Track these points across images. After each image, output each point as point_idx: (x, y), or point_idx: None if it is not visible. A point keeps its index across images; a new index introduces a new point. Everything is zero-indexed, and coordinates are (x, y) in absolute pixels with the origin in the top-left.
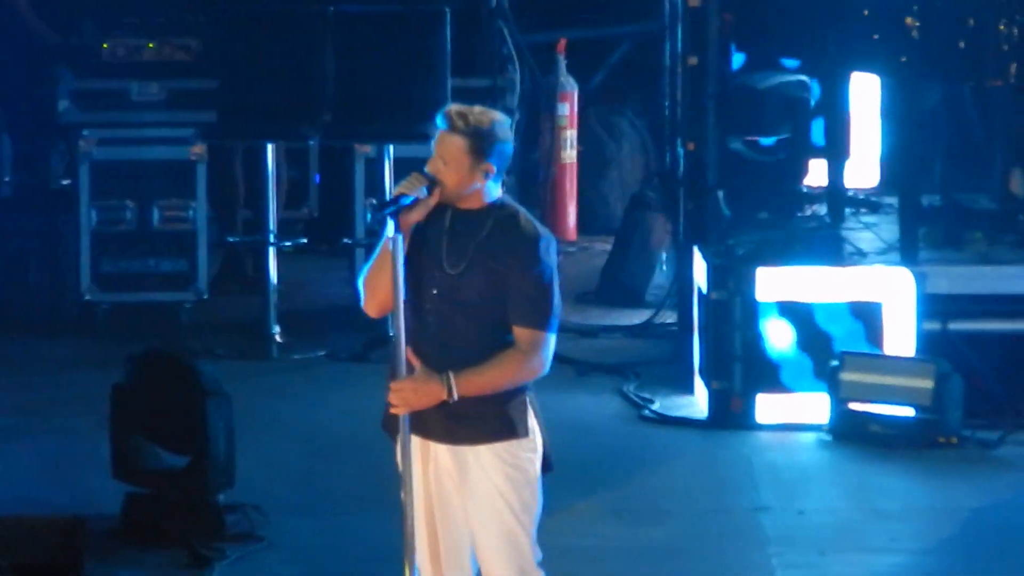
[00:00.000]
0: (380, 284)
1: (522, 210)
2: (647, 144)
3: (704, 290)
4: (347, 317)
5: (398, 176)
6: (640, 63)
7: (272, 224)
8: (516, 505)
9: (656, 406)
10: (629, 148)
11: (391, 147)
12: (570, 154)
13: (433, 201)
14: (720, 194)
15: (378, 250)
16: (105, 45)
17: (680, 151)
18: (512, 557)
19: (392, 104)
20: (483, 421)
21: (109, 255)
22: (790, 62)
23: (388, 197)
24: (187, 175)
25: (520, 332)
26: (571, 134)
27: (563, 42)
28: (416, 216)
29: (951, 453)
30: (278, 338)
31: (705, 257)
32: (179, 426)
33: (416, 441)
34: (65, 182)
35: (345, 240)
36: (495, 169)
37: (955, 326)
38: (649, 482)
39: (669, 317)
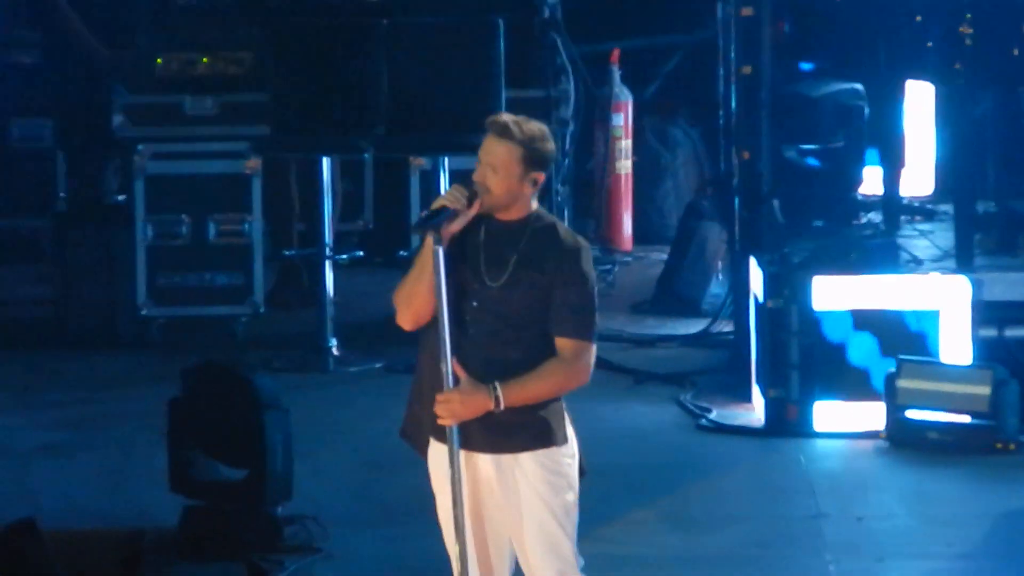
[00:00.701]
0: (417, 295)
1: (559, 220)
2: (701, 153)
3: (760, 298)
4: (402, 329)
5: None
6: (693, 73)
7: (328, 237)
8: (559, 511)
9: (713, 415)
10: (683, 157)
11: (446, 159)
12: (625, 164)
13: (473, 212)
14: (775, 203)
15: (415, 262)
16: (159, 60)
17: (734, 160)
18: (556, 563)
19: (446, 116)
20: (525, 429)
21: (165, 269)
22: (844, 70)
23: (428, 210)
24: (242, 189)
25: (563, 343)
26: (626, 144)
27: (616, 52)
28: (456, 227)
29: (1008, 459)
30: (335, 351)
31: (761, 265)
32: (236, 439)
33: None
34: (120, 197)
35: (400, 252)
36: (543, 178)
37: (1011, 332)
38: (706, 490)
39: (726, 326)
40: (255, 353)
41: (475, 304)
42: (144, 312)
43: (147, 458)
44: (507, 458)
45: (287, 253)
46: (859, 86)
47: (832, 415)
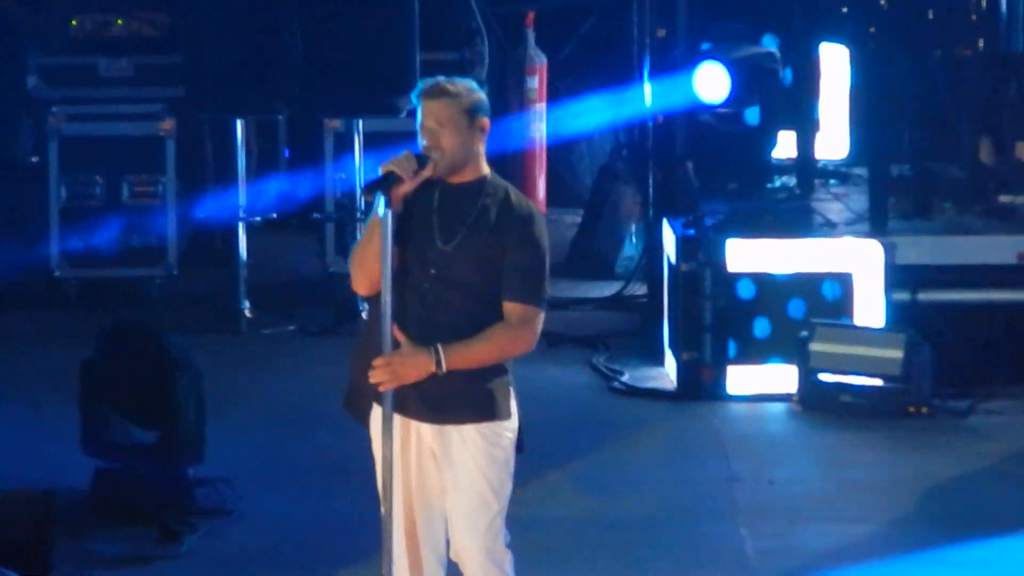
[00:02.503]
0: (368, 260)
1: (511, 186)
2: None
3: (674, 261)
4: (316, 291)
5: (367, 149)
6: (608, 35)
7: (242, 199)
8: (495, 484)
9: (626, 378)
10: (598, 120)
11: (360, 121)
12: (539, 127)
13: (424, 176)
14: (689, 165)
15: (367, 227)
16: (74, 21)
17: (649, 123)
18: (483, 535)
19: (361, 78)
20: (470, 400)
21: (78, 230)
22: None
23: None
24: (156, 150)
25: (512, 307)
26: (540, 107)
27: (531, 15)
28: (406, 188)
29: (921, 423)
30: (247, 312)
31: (674, 228)
32: (149, 400)
33: (397, 420)
34: (34, 158)
35: (315, 215)
36: (488, 124)
37: (925, 296)
38: (619, 453)
39: (639, 289)
40: (168, 314)
41: (433, 271)
42: (57, 273)
43: (59, 419)
44: (450, 428)
45: (201, 215)
46: (774, 49)
47: (745, 378)
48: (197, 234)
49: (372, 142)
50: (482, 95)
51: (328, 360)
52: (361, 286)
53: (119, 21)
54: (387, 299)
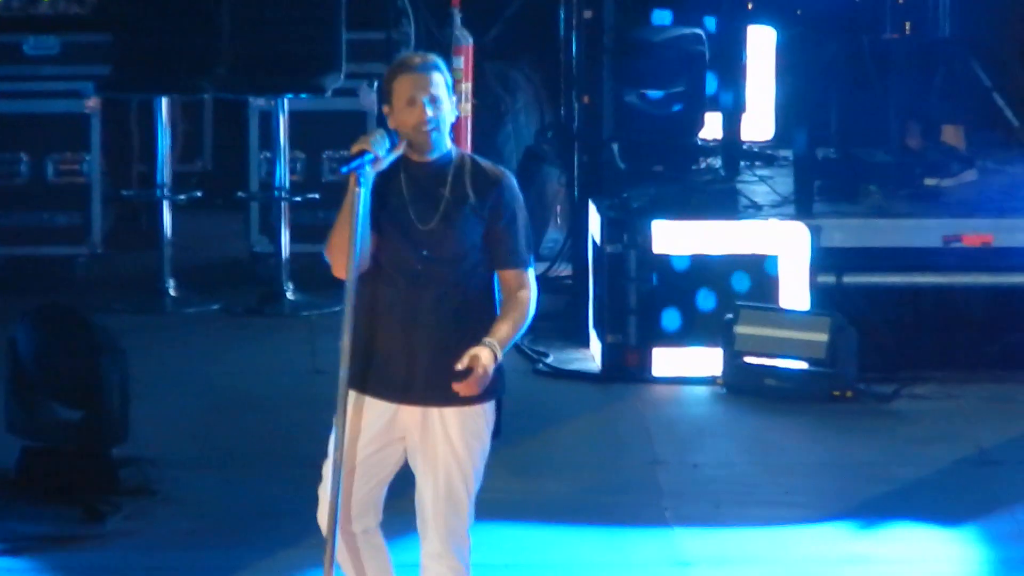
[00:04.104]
0: (348, 241)
1: (474, 155)
2: (542, 97)
3: (599, 243)
4: (242, 271)
5: (293, 129)
6: (535, 16)
7: (166, 178)
8: (468, 470)
9: (550, 359)
10: (524, 101)
11: (286, 100)
12: (465, 107)
13: (399, 150)
14: (615, 147)
15: (342, 209)
16: None
17: (575, 104)
18: (451, 519)
19: (287, 57)
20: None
21: (2, 209)
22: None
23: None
24: (82, 128)
25: (509, 274)
26: (466, 87)
27: None
28: (380, 166)
29: (846, 407)
30: (172, 292)
31: (600, 210)
32: (73, 380)
33: (369, 400)
34: None
35: (239, 194)
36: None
37: (850, 279)
38: (543, 436)
39: (564, 270)
40: (93, 294)
41: (424, 253)
42: None
43: None
44: (433, 411)
45: (125, 193)
46: (700, 31)
47: (670, 361)
48: (122, 213)
49: (297, 121)
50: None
51: (253, 340)
52: (343, 270)
53: None
54: (352, 281)
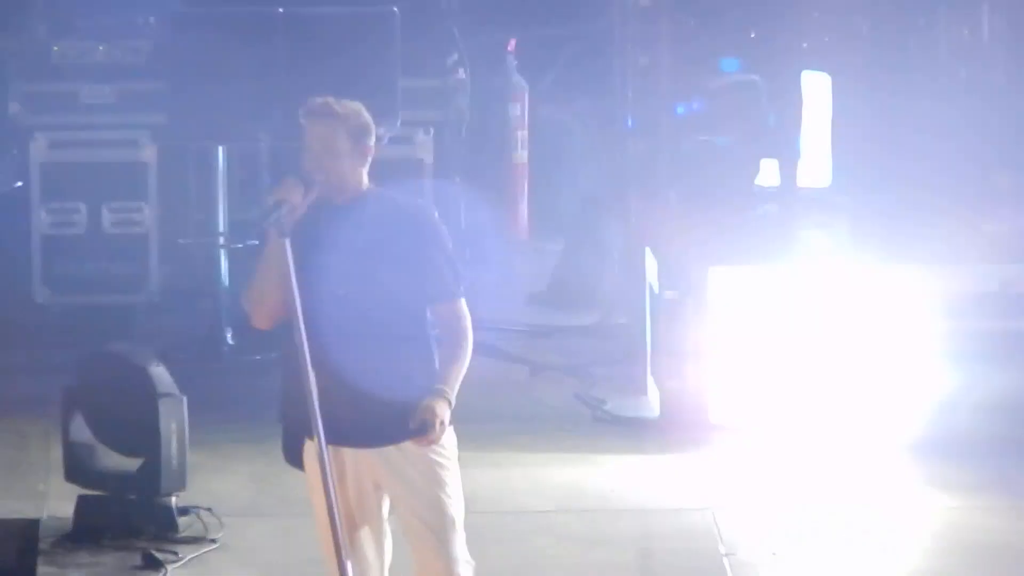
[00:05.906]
0: (268, 294)
1: (393, 191)
2: (598, 144)
3: (656, 289)
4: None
5: None
6: (590, 62)
7: (223, 225)
8: (452, 492)
9: (608, 406)
10: (580, 148)
11: None
12: (521, 154)
13: (310, 199)
14: (671, 193)
15: (261, 261)
16: (56, 47)
17: (631, 150)
18: (452, 544)
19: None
20: (404, 418)
21: (60, 258)
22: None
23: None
24: (138, 177)
25: (444, 307)
26: (522, 135)
27: (513, 42)
28: (298, 213)
29: None
30: (229, 340)
31: (656, 256)
32: (131, 427)
33: (331, 451)
34: (16, 184)
35: None
36: (372, 150)
37: None
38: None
39: (621, 317)
40: (151, 342)
41: (342, 292)
42: (39, 300)
43: (42, 447)
44: (390, 449)
45: (182, 241)
46: (756, 77)
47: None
48: (179, 261)
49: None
50: (367, 116)
51: None
52: (262, 321)
53: (101, 48)
54: (300, 326)
